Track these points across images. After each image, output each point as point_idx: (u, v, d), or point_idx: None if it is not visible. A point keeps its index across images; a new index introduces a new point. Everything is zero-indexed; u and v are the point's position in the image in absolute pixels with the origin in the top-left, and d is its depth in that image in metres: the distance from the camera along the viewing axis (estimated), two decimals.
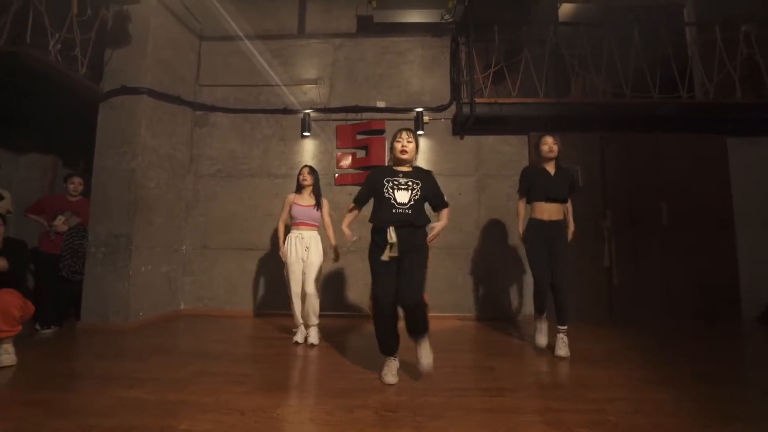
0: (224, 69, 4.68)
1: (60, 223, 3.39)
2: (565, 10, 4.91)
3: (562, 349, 2.72)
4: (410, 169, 2.38)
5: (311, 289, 2.98)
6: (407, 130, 2.40)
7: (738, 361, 2.89)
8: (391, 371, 2.22)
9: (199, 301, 4.40)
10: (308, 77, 4.66)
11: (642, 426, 1.68)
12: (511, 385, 2.20)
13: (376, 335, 2.27)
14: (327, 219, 3.19)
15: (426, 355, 2.16)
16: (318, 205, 3.15)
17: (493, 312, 4.19)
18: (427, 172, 2.44)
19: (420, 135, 4.39)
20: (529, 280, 3.64)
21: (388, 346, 2.27)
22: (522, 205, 3.03)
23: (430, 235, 2.33)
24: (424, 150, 4.44)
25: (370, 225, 2.34)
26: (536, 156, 2.97)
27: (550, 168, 2.89)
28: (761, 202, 4.27)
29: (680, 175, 4.31)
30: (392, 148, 2.38)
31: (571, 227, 2.99)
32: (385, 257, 2.16)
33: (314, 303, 2.98)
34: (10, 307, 2.24)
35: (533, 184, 2.90)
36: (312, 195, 3.18)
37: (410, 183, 2.28)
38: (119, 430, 1.61)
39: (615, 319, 4.12)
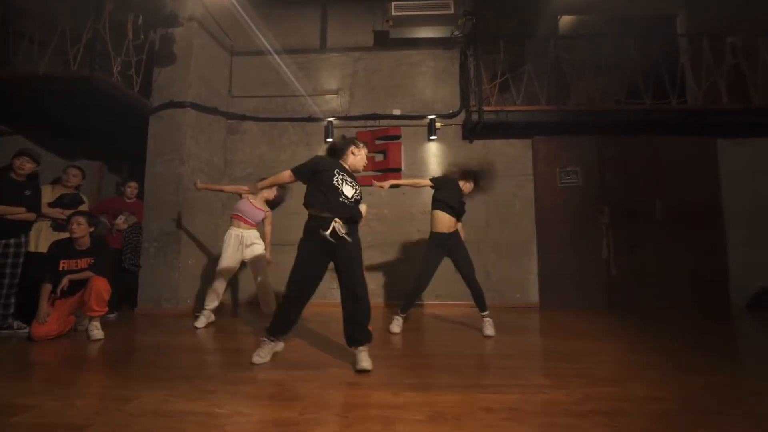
0: (254, 81, 5.15)
1: (121, 222, 3.88)
2: (565, 21, 5.32)
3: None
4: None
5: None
6: (365, 143, 2.46)
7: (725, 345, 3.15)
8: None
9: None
10: (330, 88, 5.11)
11: (613, 375, 2.11)
12: (517, 352, 2.65)
13: None
14: (268, 228, 3.66)
15: None
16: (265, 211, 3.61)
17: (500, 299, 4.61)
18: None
19: (432, 140, 4.84)
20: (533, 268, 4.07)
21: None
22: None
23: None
24: (436, 153, 4.88)
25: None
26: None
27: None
28: (749, 199, 4.63)
29: (673, 174, 4.68)
30: (351, 157, 2.39)
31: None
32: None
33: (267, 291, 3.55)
34: (102, 292, 2.73)
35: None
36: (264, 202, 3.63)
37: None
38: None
39: (613, 306, 4.51)
